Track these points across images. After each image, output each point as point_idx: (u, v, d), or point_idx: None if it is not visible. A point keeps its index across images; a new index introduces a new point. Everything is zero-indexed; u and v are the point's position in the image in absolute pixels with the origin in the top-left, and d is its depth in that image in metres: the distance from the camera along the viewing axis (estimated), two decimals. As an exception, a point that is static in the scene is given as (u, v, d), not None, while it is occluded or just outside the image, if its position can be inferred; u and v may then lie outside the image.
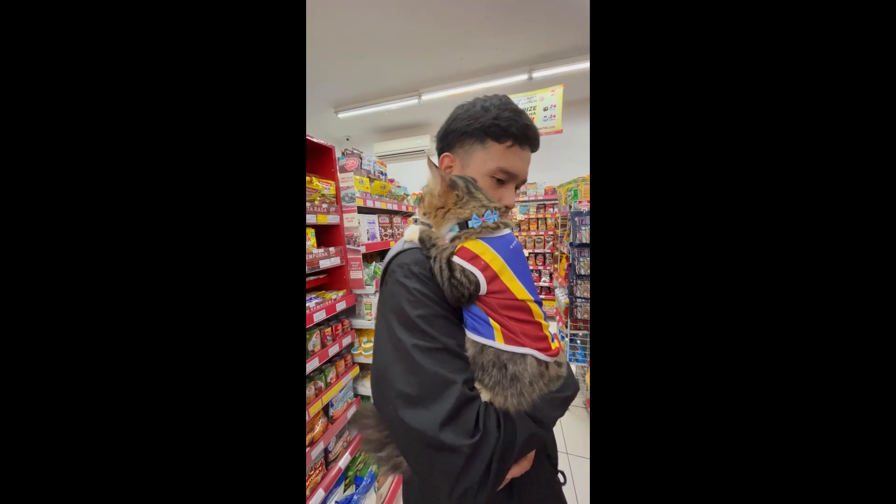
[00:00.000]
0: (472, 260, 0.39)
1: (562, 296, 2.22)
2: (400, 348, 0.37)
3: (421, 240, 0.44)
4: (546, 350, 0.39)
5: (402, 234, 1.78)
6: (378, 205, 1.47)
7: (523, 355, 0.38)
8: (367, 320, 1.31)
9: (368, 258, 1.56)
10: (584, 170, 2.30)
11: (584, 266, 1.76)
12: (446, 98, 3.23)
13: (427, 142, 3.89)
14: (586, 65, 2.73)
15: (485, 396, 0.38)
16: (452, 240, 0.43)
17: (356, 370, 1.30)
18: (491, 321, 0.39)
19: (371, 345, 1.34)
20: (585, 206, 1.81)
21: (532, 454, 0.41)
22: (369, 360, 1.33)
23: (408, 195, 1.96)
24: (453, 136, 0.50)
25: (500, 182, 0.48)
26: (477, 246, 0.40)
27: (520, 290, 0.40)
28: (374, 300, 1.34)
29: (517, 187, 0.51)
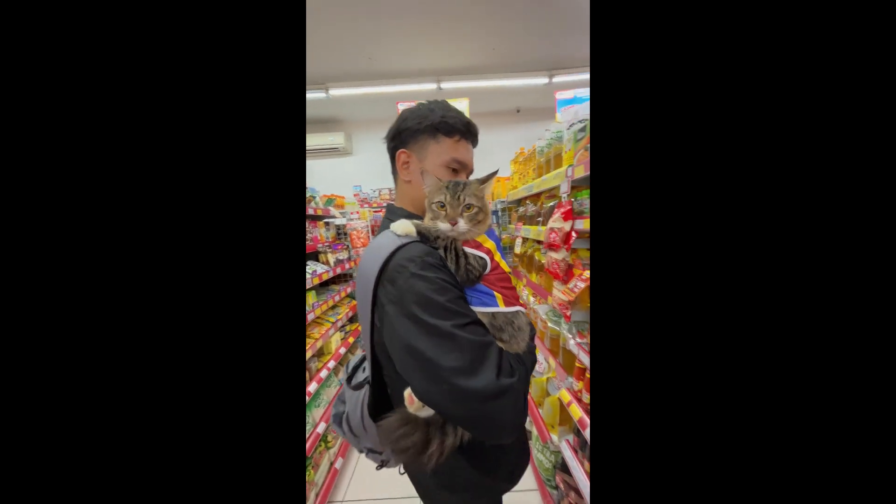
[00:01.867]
0: (478, 247, 0.49)
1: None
2: (440, 333, 0.41)
3: (420, 233, 0.49)
4: (523, 305, 0.53)
5: (310, 239, 1.63)
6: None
7: (517, 312, 0.50)
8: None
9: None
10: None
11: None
12: (357, 95, 3.12)
13: (341, 139, 3.66)
14: (489, 83, 3.11)
15: (505, 348, 0.47)
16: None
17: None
18: (494, 293, 0.49)
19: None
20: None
21: None
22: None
23: (316, 197, 1.82)
24: (406, 135, 0.56)
25: (455, 171, 0.57)
26: (480, 237, 0.51)
27: (504, 265, 0.52)
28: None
29: (466, 176, 0.60)
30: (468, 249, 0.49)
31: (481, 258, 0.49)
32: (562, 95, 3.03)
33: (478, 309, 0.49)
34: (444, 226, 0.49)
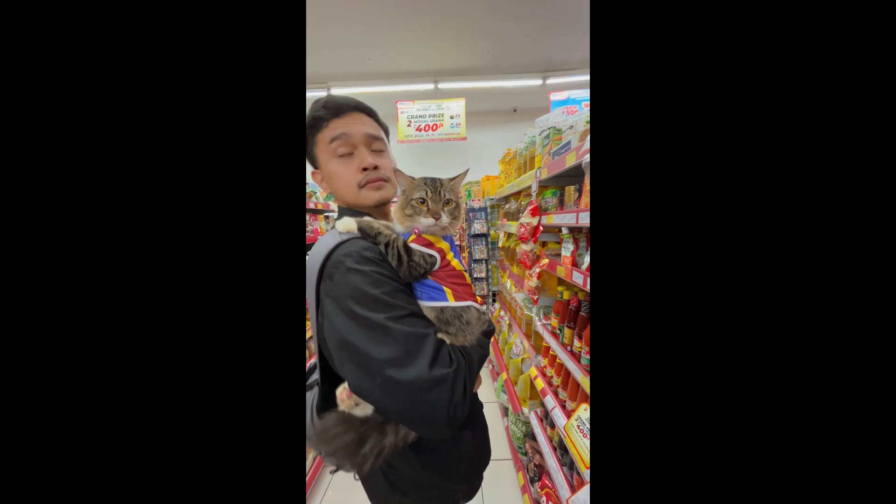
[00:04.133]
0: (430, 246, 0.51)
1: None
2: (372, 325, 0.41)
3: (362, 229, 0.50)
4: (476, 301, 0.55)
5: (311, 232, 1.78)
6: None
7: (468, 307, 0.52)
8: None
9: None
10: (485, 171, 2.78)
11: (477, 252, 2.17)
12: (357, 94, 3.24)
13: (342, 136, 3.78)
14: (485, 83, 3.21)
15: (449, 341, 0.49)
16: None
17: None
18: (444, 288, 0.51)
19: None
20: (478, 203, 2.23)
21: (480, 377, 0.54)
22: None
23: (316, 192, 1.96)
24: (309, 154, 0.58)
25: (349, 154, 0.54)
26: (433, 237, 0.53)
27: (458, 265, 0.55)
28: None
29: (375, 148, 0.56)
30: (416, 246, 0.50)
31: (430, 255, 0.50)
32: (556, 97, 3.12)
33: (425, 303, 0.51)
34: (426, 220, 0.50)
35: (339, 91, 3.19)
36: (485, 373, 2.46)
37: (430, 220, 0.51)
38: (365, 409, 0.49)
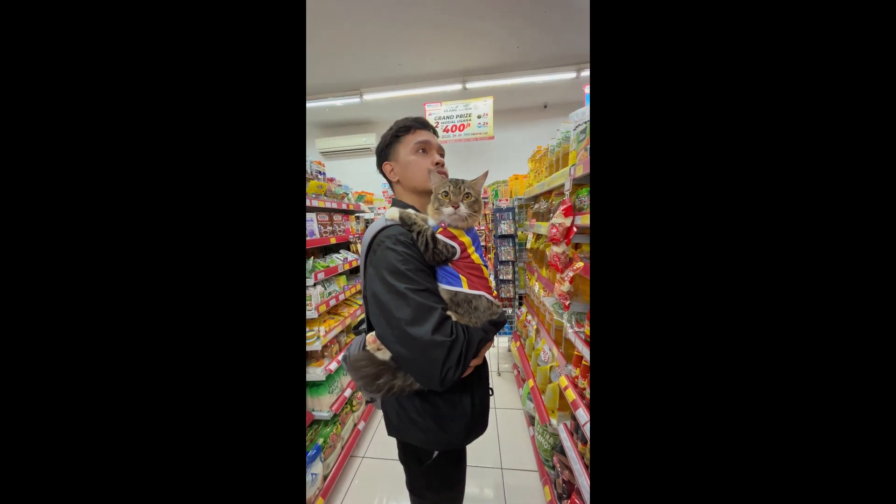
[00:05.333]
0: (453, 238, 0.63)
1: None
2: (396, 291, 0.58)
3: (402, 219, 0.65)
4: (491, 293, 0.66)
5: (343, 231, 1.87)
6: (316, 203, 1.56)
7: (479, 295, 0.63)
8: (307, 311, 1.41)
9: (307, 254, 1.64)
10: (513, 171, 2.70)
11: (504, 253, 2.11)
12: (388, 99, 3.35)
13: (372, 139, 3.94)
14: (513, 80, 3.13)
15: (457, 319, 0.62)
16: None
17: (299, 357, 1.38)
18: (460, 276, 0.63)
19: (313, 334, 1.45)
20: (505, 203, 2.16)
21: (483, 354, 0.66)
22: (314, 348, 1.44)
23: (348, 194, 2.06)
24: (384, 151, 0.76)
25: (424, 151, 0.73)
26: (456, 231, 0.64)
27: (477, 259, 0.66)
28: (315, 292, 1.44)
29: (441, 153, 0.76)
30: (440, 237, 0.63)
31: (452, 246, 0.63)
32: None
33: (444, 286, 0.63)
34: (448, 209, 0.62)
35: (370, 96, 3.32)
36: (509, 378, 2.38)
37: (451, 209, 0.63)
38: (385, 355, 0.63)
